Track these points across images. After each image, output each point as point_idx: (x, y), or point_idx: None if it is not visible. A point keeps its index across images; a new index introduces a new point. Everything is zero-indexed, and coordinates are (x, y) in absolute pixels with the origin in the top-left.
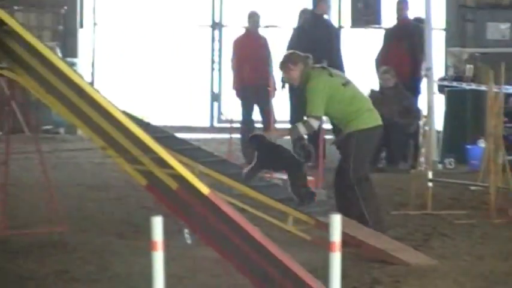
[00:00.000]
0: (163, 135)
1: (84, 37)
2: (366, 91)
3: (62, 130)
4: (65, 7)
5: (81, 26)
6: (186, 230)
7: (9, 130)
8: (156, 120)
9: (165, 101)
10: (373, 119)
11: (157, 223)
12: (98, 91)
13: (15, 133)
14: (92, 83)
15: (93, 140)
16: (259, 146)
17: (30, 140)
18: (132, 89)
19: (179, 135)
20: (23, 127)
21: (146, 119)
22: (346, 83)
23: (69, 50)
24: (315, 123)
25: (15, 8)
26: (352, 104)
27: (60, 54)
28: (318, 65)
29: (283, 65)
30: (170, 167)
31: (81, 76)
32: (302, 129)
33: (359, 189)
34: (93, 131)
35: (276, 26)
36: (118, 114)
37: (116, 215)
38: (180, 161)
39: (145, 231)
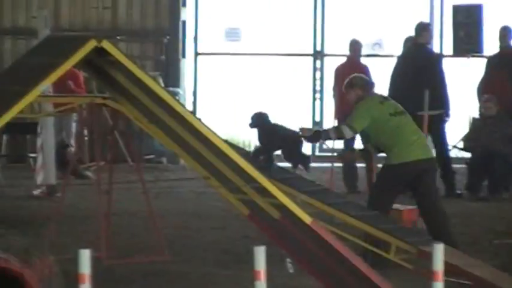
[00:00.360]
0: (265, 165)
1: (186, 67)
2: (468, 119)
3: (164, 159)
4: (168, 37)
5: (183, 56)
6: (288, 259)
7: (112, 160)
8: None
9: None
10: (406, 154)
11: (260, 253)
12: (200, 120)
13: (118, 163)
14: (193, 112)
15: (195, 169)
16: (258, 124)
17: (133, 169)
18: (234, 117)
19: (281, 164)
20: (126, 157)
21: (248, 148)
22: (396, 114)
23: (171, 79)
24: (347, 132)
25: (118, 38)
26: (391, 137)
27: (162, 84)
28: (379, 94)
29: (345, 87)
30: (272, 196)
31: (183, 105)
32: (332, 134)
33: None
34: (195, 160)
35: (377, 56)
36: (220, 143)
37: (218, 244)
38: (282, 190)
39: (248, 260)
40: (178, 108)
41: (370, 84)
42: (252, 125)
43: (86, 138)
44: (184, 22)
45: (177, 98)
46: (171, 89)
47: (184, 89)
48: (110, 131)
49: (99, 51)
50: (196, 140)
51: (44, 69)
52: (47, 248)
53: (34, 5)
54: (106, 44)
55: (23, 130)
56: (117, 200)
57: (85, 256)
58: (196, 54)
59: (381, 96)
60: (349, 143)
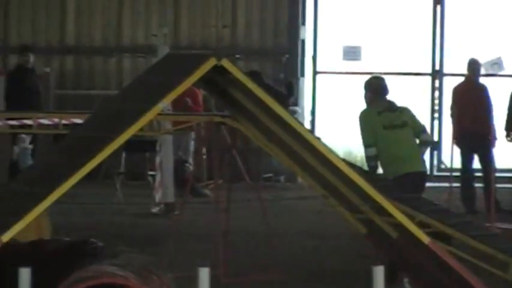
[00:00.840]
0: (383, 184)
1: (304, 85)
2: None
3: (282, 178)
4: (286, 55)
5: (302, 75)
6: (406, 279)
7: (230, 178)
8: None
9: None
10: (391, 172)
11: (379, 272)
12: (318, 139)
13: (237, 181)
14: (312, 131)
15: (313, 188)
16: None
17: (251, 187)
18: (351, 136)
19: None
20: (244, 175)
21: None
22: (390, 127)
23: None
24: (367, 151)
25: (237, 56)
26: (379, 152)
27: None
28: (386, 102)
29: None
30: (390, 216)
31: (302, 124)
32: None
33: None
34: (314, 179)
35: (496, 75)
36: (338, 162)
37: (335, 263)
38: (400, 210)
39: (365, 280)
40: (297, 126)
41: (382, 90)
42: None
43: (204, 156)
44: (303, 41)
45: (295, 116)
46: (289, 107)
47: (303, 108)
48: (228, 149)
49: (219, 70)
50: (315, 158)
51: (163, 87)
52: (165, 265)
53: (154, 23)
54: (225, 63)
55: (142, 148)
56: (234, 218)
57: (204, 274)
58: (315, 73)
59: (385, 106)
60: (468, 162)
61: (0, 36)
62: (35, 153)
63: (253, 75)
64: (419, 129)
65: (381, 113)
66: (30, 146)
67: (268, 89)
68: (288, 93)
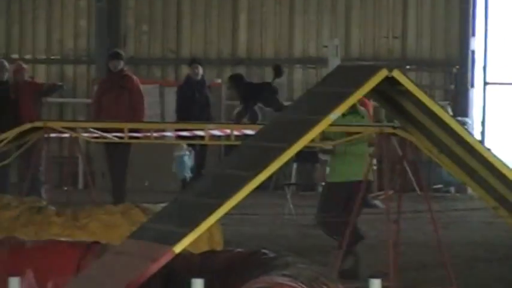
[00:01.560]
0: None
1: (474, 96)
2: None
3: (452, 189)
4: (457, 66)
5: (472, 85)
6: None
7: (400, 189)
8: None
9: None
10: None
11: None
12: (489, 150)
13: (407, 192)
14: (482, 142)
15: (484, 199)
16: (237, 84)
17: (421, 198)
18: None
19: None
20: (414, 186)
21: None
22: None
23: (460, 109)
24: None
25: (408, 67)
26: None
27: (451, 113)
28: None
29: None
30: None
31: (472, 135)
32: None
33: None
34: (484, 190)
35: None
36: (510, 173)
37: (507, 275)
38: None
39: None
40: (468, 138)
41: None
42: (231, 87)
43: (375, 167)
44: (473, 51)
45: (465, 127)
46: (459, 118)
47: (473, 119)
48: (399, 160)
49: (390, 81)
50: (486, 169)
51: (335, 98)
52: (335, 276)
53: (325, 34)
54: (397, 74)
55: (313, 158)
56: (405, 229)
57: (375, 285)
58: (485, 83)
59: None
60: None
61: (173, 49)
62: (201, 163)
63: (236, 80)
64: None
65: (345, 116)
66: (187, 154)
67: (251, 87)
68: (276, 75)
